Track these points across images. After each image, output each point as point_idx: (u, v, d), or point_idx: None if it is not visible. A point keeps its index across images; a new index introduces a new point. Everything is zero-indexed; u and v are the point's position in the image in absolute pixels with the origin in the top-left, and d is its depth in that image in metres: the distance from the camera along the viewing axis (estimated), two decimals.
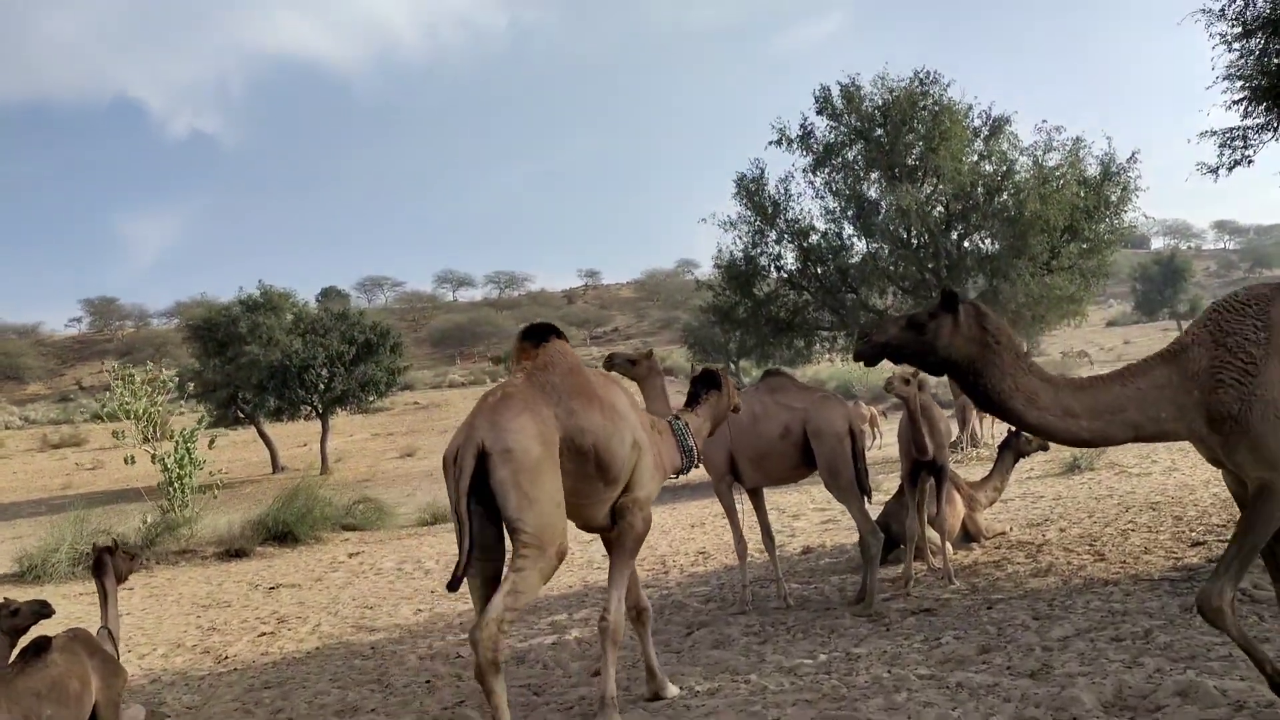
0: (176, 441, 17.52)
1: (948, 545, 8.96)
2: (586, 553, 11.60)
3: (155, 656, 9.07)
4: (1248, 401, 3.86)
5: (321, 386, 43.70)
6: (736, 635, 7.03)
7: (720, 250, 26.07)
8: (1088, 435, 4.13)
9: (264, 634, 9.63)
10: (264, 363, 43.47)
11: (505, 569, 4.65)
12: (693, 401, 6.17)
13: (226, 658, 8.70)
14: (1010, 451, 10.13)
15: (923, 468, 8.08)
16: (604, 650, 5.17)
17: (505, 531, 4.68)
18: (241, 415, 44.67)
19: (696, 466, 6.07)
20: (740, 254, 25.60)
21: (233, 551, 15.92)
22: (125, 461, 17.77)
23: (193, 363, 46.55)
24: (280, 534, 16.56)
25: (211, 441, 18.15)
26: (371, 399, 44.85)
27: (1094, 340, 56.65)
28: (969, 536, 9.77)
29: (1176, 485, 12.04)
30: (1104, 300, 78.05)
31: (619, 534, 5.26)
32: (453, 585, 4.54)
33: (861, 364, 4.50)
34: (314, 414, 45.21)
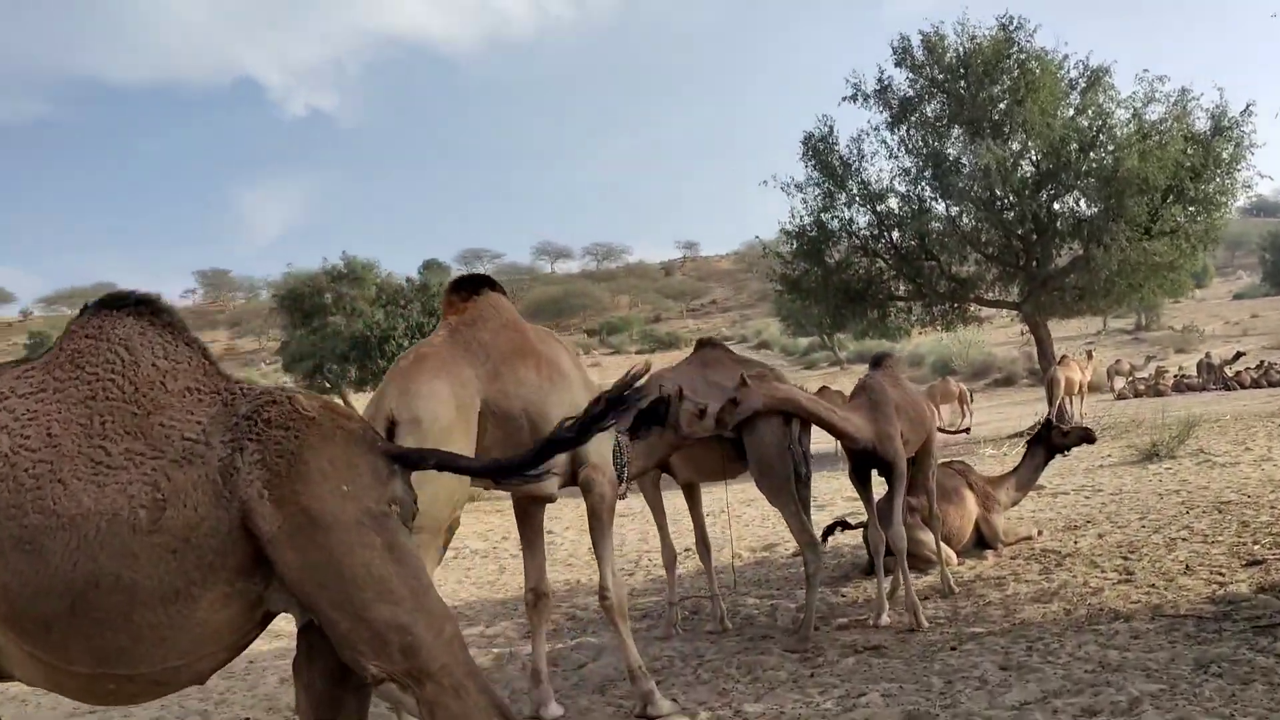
0: None
1: (947, 552, 7.41)
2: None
3: None
4: None
5: None
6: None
7: (793, 214, 24.35)
8: None
9: None
10: (347, 333, 43.37)
11: None
12: (634, 431, 5.37)
13: None
14: (1041, 446, 8.45)
15: (864, 460, 6.41)
16: (616, 627, 4.82)
17: None
18: (328, 385, 44.71)
19: (622, 494, 5.54)
20: (809, 219, 23.82)
21: None
22: None
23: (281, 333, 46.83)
24: None
25: None
26: None
27: (1219, 314, 52.72)
28: (984, 541, 8.16)
29: (1260, 480, 10.13)
30: (1230, 271, 73.24)
31: (591, 507, 4.86)
32: None
33: None
34: None
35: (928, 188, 23.26)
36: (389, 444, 3.07)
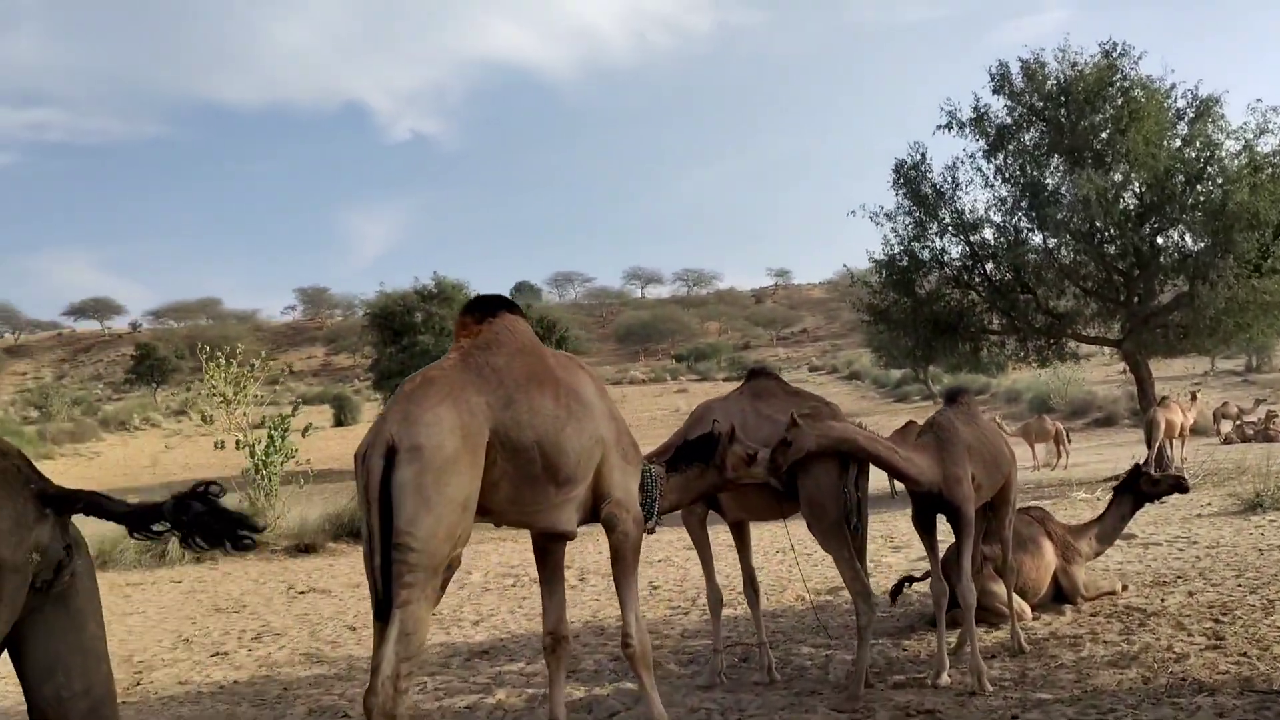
0: (270, 430, 16.90)
1: (1020, 606, 6.90)
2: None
3: None
4: None
5: None
6: None
7: (884, 243, 23.75)
8: None
9: (216, 654, 8.44)
10: (435, 351, 43.80)
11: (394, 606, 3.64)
12: (673, 464, 5.19)
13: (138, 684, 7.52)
14: (1128, 494, 7.86)
15: (929, 505, 5.93)
16: (639, 676, 4.64)
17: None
18: None
19: (650, 529, 4.98)
20: (899, 248, 23.20)
21: (302, 546, 15.09)
22: (215, 446, 17.35)
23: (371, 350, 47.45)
24: (357, 530, 15.61)
25: (305, 430, 17.39)
26: None
27: None
28: (1062, 595, 7.60)
29: None
30: None
31: (613, 546, 4.64)
32: (380, 613, 3.68)
33: None
34: None
35: (1024, 218, 22.45)
36: (44, 484, 2.79)
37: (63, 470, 40.54)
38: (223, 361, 17.33)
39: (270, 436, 16.42)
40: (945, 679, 5.75)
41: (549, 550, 4.83)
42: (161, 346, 72.78)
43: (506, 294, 4.87)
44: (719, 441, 5.12)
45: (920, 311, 23.15)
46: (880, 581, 9.42)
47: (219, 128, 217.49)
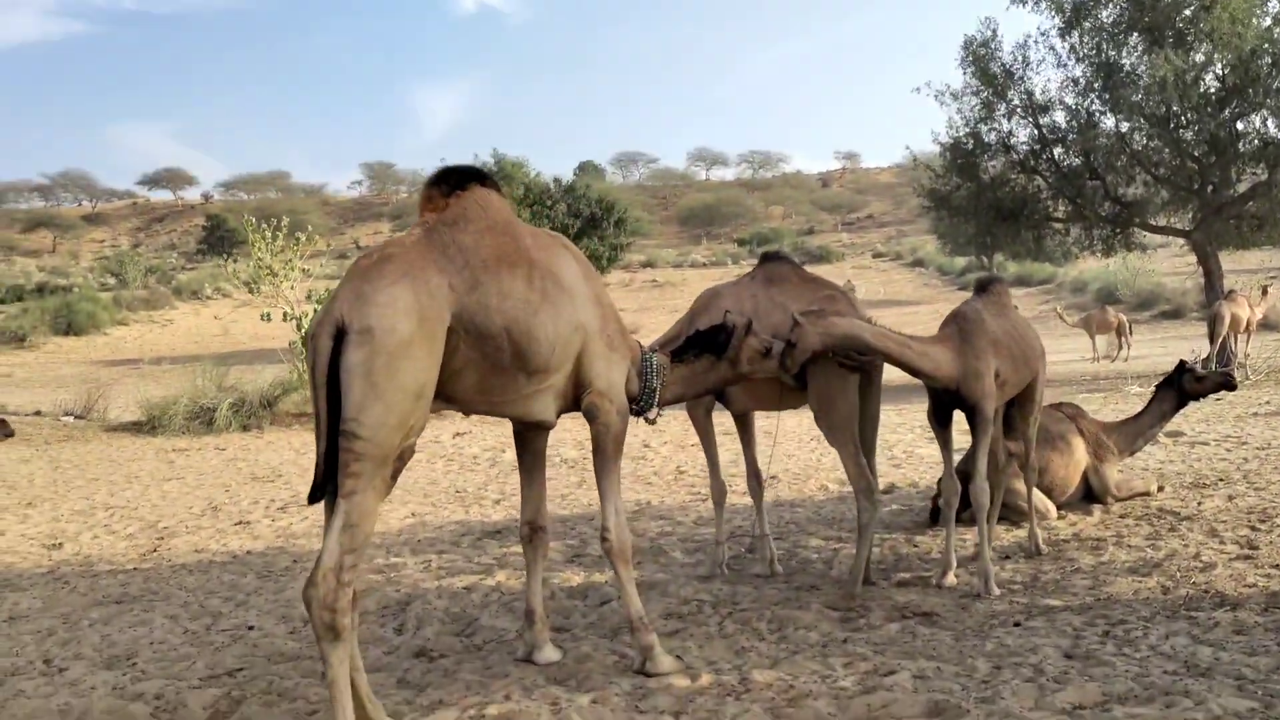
0: (316, 303, 16.91)
1: (1044, 505, 6.64)
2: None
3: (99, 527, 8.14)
4: None
5: None
6: (656, 618, 5.07)
7: (949, 125, 22.85)
8: None
9: (240, 523, 8.49)
10: None
11: (339, 496, 3.42)
12: (680, 355, 4.80)
13: (156, 549, 7.58)
14: (1171, 390, 7.45)
15: (946, 400, 5.61)
16: (616, 573, 4.35)
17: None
18: None
19: (651, 419, 4.70)
20: (964, 130, 22.31)
21: None
22: (262, 319, 17.44)
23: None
24: None
25: None
26: None
27: None
28: (1091, 494, 7.30)
29: None
30: None
31: (595, 437, 4.33)
32: (313, 496, 3.53)
33: None
34: None
35: (1097, 101, 21.41)
36: None
37: (137, 336, 41.52)
38: (268, 235, 17.27)
39: (316, 310, 16.42)
40: (951, 579, 5.53)
41: (528, 439, 4.59)
42: (231, 218, 73.43)
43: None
44: (732, 333, 4.78)
45: (983, 197, 22.39)
46: (911, 474, 9.18)
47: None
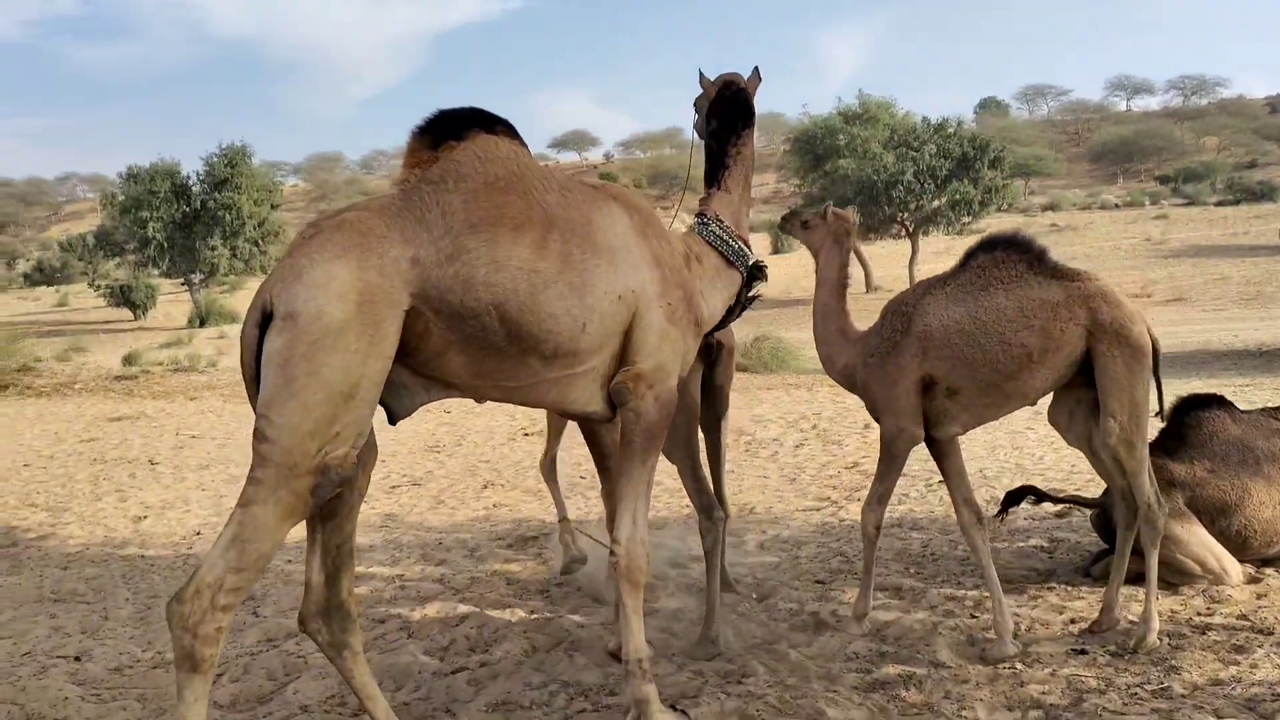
0: None
1: (1221, 563, 4.34)
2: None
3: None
4: None
5: (911, 204, 40.82)
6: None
7: None
8: None
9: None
10: (855, 177, 41.46)
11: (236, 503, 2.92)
12: (714, 175, 4.16)
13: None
14: None
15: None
16: (620, 598, 3.62)
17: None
18: None
19: (755, 294, 4.08)
20: None
21: None
22: None
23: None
24: None
25: None
26: (965, 219, 40.84)
27: None
28: None
29: None
30: None
31: (623, 426, 3.61)
32: None
33: None
34: (903, 233, 42.50)
35: None
36: None
37: None
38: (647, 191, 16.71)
39: None
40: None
41: (593, 435, 4.28)
42: (623, 176, 76.28)
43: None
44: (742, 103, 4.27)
45: None
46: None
47: None
